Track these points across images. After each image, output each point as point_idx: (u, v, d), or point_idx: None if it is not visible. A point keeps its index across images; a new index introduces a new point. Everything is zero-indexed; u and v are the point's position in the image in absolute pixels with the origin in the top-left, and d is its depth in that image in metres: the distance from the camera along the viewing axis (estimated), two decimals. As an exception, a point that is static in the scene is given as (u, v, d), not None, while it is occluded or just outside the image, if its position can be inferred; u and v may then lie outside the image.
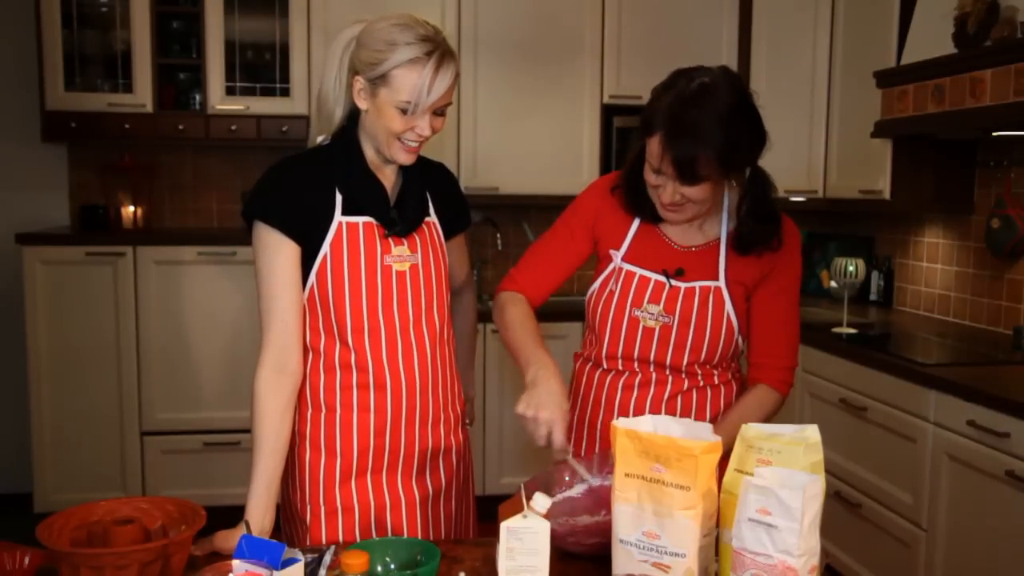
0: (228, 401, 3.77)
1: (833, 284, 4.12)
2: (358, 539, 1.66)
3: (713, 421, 1.76)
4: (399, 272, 1.66)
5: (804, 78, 4.00)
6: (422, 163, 1.74)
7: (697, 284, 1.73)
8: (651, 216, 1.74)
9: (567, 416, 1.54)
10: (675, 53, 3.76)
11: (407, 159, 1.65)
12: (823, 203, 4.02)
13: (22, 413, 3.79)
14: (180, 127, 3.85)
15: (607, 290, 1.78)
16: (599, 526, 1.43)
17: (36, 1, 3.69)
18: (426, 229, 1.72)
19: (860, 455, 3.10)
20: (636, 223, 1.78)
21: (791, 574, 1.15)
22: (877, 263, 4.10)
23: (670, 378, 1.76)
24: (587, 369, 1.86)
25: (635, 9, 4.06)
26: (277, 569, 1.17)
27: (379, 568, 1.37)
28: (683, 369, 1.76)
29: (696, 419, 1.70)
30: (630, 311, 1.75)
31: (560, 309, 3.69)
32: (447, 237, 1.78)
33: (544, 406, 1.52)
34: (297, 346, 1.63)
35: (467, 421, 1.89)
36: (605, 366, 1.81)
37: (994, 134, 3.13)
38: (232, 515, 1.53)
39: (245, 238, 1.67)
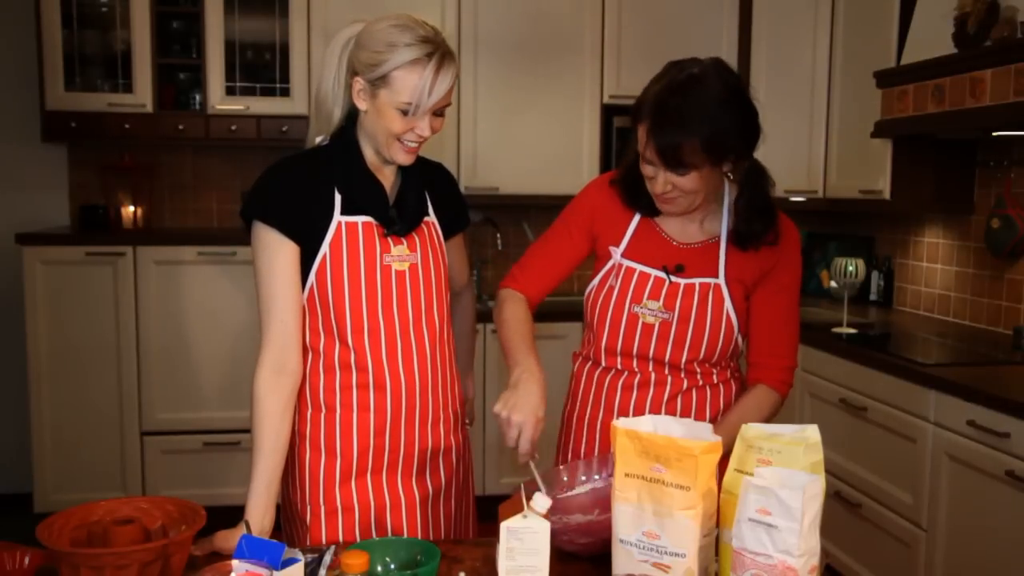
0: (228, 401, 3.77)
1: (833, 284, 4.12)
2: (358, 539, 1.66)
3: (713, 421, 1.76)
4: (399, 272, 1.66)
5: (804, 78, 4.00)
6: (421, 163, 1.74)
7: (697, 280, 1.73)
8: (649, 210, 1.75)
9: (540, 422, 1.53)
10: (675, 53, 3.70)
11: (407, 159, 1.66)
12: (823, 203, 4.02)
13: (22, 413, 3.79)
14: (180, 127, 3.85)
15: (606, 286, 1.78)
16: (592, 525, 1.43)
17: (36, 1, 3.69)
18: (425, 229, 1.72)
19: (860, 455, 3.10)
20: (635, 219, 1.78)
21: (791, 574, 1.15)
22: (877, 263, 4.10)
23: (669, 377, 1.76)
24: (586, 368, 1.86)
25: (635, 9, 4.06)
26: (277, 569, 1.17)
27: (379, 568, 1.37)
28: (682, 367, 1.76)
29: (696, 419, 1.70)
30: (629, 307, 1.75)
31: (559, 309, 3.69)
32: (446, 237, 1.78)
33: (518, 409, 1.52)
34: (296, 346, 1.63)
35: (467, 421, 1.89)
36: (604, 364, 1.81)
37: (994, 134, 3.13)
38: (232, 515, 1.53)
39: (245, 238, 1.67)
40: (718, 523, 1.28)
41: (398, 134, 1.61)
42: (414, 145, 1.64)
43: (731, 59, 4.05)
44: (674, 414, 1.75)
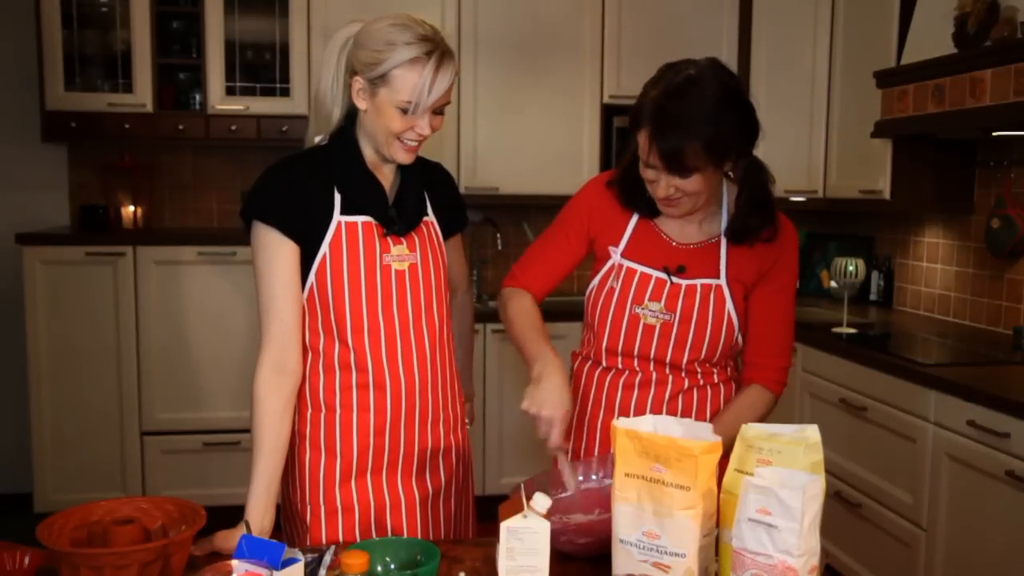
0: (228, 401, 3.78)
1: (833, 284, 4.12)
2: (358, 539, 1.66)
3: (712, 421, 1.76)
4: (398, 271, 1.66)
5: (804, 78, 4.00)
6: (420, 163, 1.74)
7: (698, 281, 1.73)
8: (648, 211, 1.75)
9: (567, 415, 1.56)
10: (675, 53, 3.70)
11: (407, 158, 1.66)
12: (823, 203, 4.02)
13: (22, 413, 3.79)
14: (180, 127, 3.85)
15: (607, 286, 1.78)
16: (592, 525, 1.43)
17: (36, 1, 3.69)
18: (424, 228, 1.72)
19: (860, 455, 3.10)
20: (634, 219, 1.78)
21: (791, 574, 1.15)
22: (877, 263, 4.10)
23: (670, 377, 1.76)
24: (586, 368, 1.85)
25: (635, 9, 4.06)
26: (277, 569, 1.17)
27: (379, 568, 1.37)
28: (683, 367, 1.76)
29: (696, 419, 1.70)
30: (631, 308, 1.74)
31: (560, 309, 3.69)
32: (445, 237, 1.78)
33: (545, 404, 1.55)
34: (296, 346, 1.63)
35: (467, 421, 1.89)
36: (604, 363, 1.81)
37: (994, 134, 3.13)
38: (232, 515, 1.53)
39: (245, 238, 1.67)
40: (718, 523, 1.28)
41: (398, 133, 1.61)
42: (414, 144, 1.64)
43: (731, 59, 4.06)
44: (674, 414, 1.75)
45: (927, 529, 2.75)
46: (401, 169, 1.72)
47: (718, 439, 1.25)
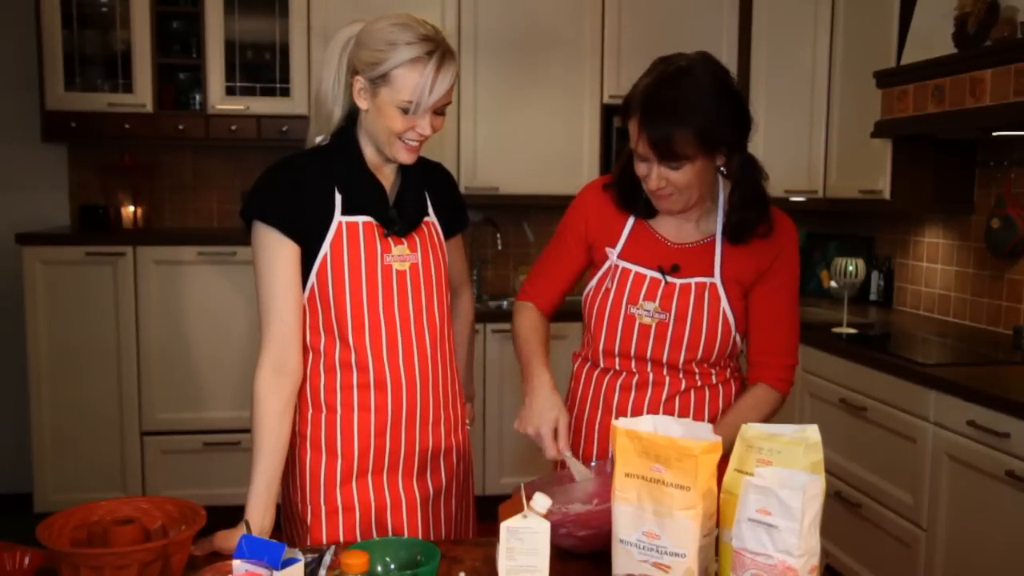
0: (228, 401, 3.78)
1: (833, 284, 4.12)
2: (358, 539, 1.66)
3: (712, 421, 1.75)
4: (399, 271, 1.66)
5: (804, 78, 4.00)
6: (421, 163, 1.74)
7: (693, 280, 1.73)
8: (644, 212, 1.75)
9: (555, 421, 1.64)
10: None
11: (408, 158, 1.66)
12: (823, 203, 4.02)
13: (22, 413, 3.79)
14: (180, 127, 3.85)
15: (603, 288, 1.78)
16: (591, 516, 1.43)
17: (36, 1, 3.69)
18: (425, 229, 1.72)
19: (860, 455, 3.10)
20: (630, 221, 1.78)
21: (791, 574, 1.15)
22: (877, 263, 4.10)
23: (668, 378, 1.76)
24: (585, 369, 1.86)
25: (635, 9, 4.06)
26: (277, 569, 1.17)
27: (379, 568, 1.37)
28: (680, 367, 1.76)
29: (696, 420, 1.70)
30: (626, 308, 1.75)
31: (561, 309, 3.69)
32: (446, 237, 1.78)
33: (532, 422, 1.65)
34: (297, 346, 1.63)
35: (467, 421, 1.89)
36: (602, 364, 1.81)
37: (994, 134, 3.13)
38: (232, 515, 1.53)
39: (245, 238, 1.67)
40: (718, 523, 1.28)
41: (399, 133, 1.61)
42: (415, 144, 1.64)
43: (731, 59, 4.06)
44: (673, 414, 1.75)
45: (927, 529, 2.75)
46: (402, 169, 1.72)
47: (718, 439, 1.25)
